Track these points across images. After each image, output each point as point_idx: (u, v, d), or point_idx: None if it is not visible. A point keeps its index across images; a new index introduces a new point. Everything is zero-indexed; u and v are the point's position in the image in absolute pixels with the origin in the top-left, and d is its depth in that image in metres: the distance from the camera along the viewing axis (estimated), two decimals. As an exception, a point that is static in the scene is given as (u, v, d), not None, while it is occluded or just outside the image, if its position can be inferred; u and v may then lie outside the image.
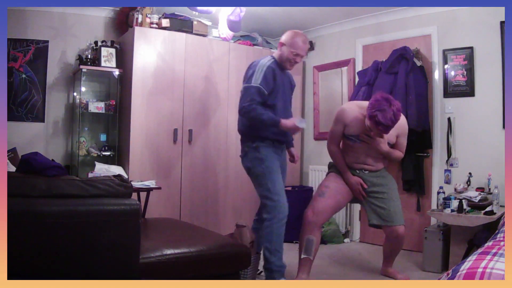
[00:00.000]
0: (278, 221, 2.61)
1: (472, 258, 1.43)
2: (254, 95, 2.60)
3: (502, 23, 3.34)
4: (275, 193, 2.63)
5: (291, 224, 3.52)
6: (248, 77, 2.70)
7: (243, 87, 2.72)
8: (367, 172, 2.90)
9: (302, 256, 2.79)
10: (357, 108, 2.86)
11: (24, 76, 3.79)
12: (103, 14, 4.06)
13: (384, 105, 2.56)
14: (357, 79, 4.14)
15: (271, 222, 2.60)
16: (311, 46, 4.74)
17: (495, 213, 2.91)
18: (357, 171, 2.91)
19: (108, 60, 3.78)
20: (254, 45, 4.47)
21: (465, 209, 3.02)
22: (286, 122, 2.60)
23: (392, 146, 2.88)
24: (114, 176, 1.90)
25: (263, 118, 2.59)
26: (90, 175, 3.09)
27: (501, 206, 2.98)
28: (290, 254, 3.62)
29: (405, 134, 2.92)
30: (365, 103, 2.75)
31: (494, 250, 1.50)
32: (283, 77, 2.80)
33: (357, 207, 4.26)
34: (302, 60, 2.95)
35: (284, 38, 2.78)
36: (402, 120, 2.83)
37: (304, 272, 2.79)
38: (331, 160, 3.04)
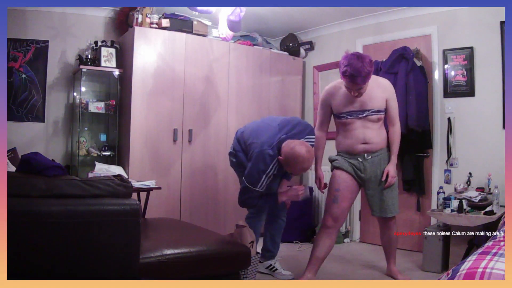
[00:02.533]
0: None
1: (472, 258, 1.43)
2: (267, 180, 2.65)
3: (502, 23, 3.34)
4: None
5: (291, 224, 3.54)
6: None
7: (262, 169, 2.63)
8: (369, 157, 2.79)
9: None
10: (340, 84, 2.80)
11: (24, 76, 3.79)
12: (103, 14, 4.05)
13: (353, 59, 2.55)
14: (357, 79, 4.14)
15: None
16: (311, 47, 4.74)
17: (495, 213, 2.92)
18: (359, 158, 2.81)
19: (108, 60, 3.78)
20: (254, 45, 4.47)
21: (465, 209, 3.02)
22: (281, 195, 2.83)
23: (385, 113, 2.81)
24: (114, 176, 1.90)
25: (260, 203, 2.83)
26: (90, 175, 3.09)
27: (501, 206, 2.98)
28: (290, 254, 3.63)
29: (394, 98, 2.84)
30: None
31: (494, 250, 1.50)
32: None
33: (357, 207, 4.26)
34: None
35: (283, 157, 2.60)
36: (386, 82, 2.86)
37: (311, 271, 2.80)
38: (331, 155, 2.96)
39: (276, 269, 3.09)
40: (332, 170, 2.93)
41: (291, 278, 3.03)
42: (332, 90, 2.86)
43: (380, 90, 2.78)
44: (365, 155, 2.80)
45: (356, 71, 2.53)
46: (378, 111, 2.76)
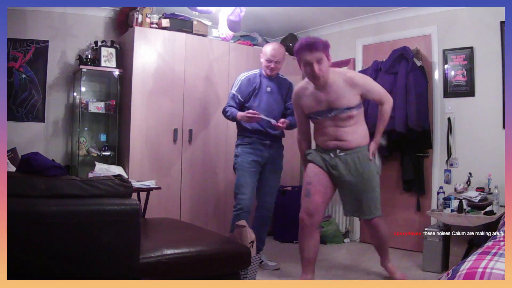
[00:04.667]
0: (235, 211, 3.12)
1: (472, 258, 1.43)
2: (229, 100, 3.25)
3: (502, 23, 3.34)
4: (237, 187, 3.15)
5: (291, 224, 3.53)
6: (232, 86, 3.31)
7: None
8: (342, 154, 2.68)
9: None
10: (306, 84, 2.76)
11: (24, 76, 3.79)
12: (103, 14, 4.06)
13: (303, 38, 2.64)
14: (357, 79, 4.14)
15: (235, 212, 3.12)
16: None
17: (495, 213, 2.92)
18: (331, 154, 2.71)
19: (108, 60, 3.79)
20: (254, 45, 4.47)
21: (465, 209, 3.02)
22: (240, 114, 3.10)
23: (360, 107, 2.71)
24: (114, 176, 1.90)
25: (228, 115, 3.20)
26: (90, 175, 3.09)
27: (501, 206, 2.98)
28: (290, 254, 3.63)
29: (370, 89, 2.69)
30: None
31: (494, 250, 1.50)
32: (268, 84, 3.24)
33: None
34: (277, 65, 3.21)
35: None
36: (353, 74, 2.77)
37: (309, 273, 2.74)
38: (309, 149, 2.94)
39: (262, 261, 3.24)
40: (305, 164, 2.87)
41: (276, 269, 3.21)
42: (300, 92, 2.81)
43: (349, 87, 2.64)
44: (338, 151, 2.69)
45: (310, 40, 2.57)
46: (348, 108, 2.63)
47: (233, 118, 3.20)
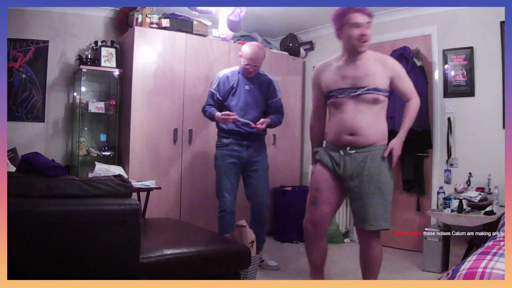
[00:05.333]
0: (219, 213, 3.18)
1: (472, 258, 1.43)
2: (208, 98, 3.25)
3: (502, 23, 3.34)
4: (217, 189, 3.20)
5: (291, 224, 3.54)
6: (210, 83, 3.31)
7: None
8: (353, 151, 2.27)
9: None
10: (331, 61, 2.44)
11: (24, 76, 3.79)
12: (103, 14, 4.05)
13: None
14: (357, 79, 4.13)
15: (218, 214, 3.19)
16: (311, 47, 4.74)
17: (495, 213, 2.91)
18: (341, 151, 2.31)
19: (108, 60, 3.78)
20: (254, 45, 4.46)
21: (465, 209, 3.02)
22: (218, 114, 3.12)
23: (388, 95, 2.36)
24: (114, 176, 1.90)
25: (206, 115, 3.22)
26: (90, 175, 3.09)
27: (501, 206, 2.98)
28: (290, 253, 3.63)
29: (401, 75, 2.35)
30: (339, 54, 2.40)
31: (494, 250, 1.50)
32: (246, 82, 3.20)
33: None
34: (256, 68, 3.18)
35: (241, 49, 3.20)
36: (391, 60, 2.43)
37: (317, 275, 2.51)
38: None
39: (263, 260, 3.24)
40: (313, 164, 2.52)
41: (277, 269, 3.21)
42: (321, 67, 2.47)
43: (380, 66, 2.31)
44: (348, 148, 2.28)
45: (359, 7, 2.25)
46: (376, 89, 2.25)
47: (211, 118, 3.20)
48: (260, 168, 3.23)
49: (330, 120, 2.45)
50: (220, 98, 3.19)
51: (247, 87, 3.19)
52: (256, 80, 3.23)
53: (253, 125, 3.07)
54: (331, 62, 2.43)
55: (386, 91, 2.32)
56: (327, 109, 2.50)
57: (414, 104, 2.37)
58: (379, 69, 2.30)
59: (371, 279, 2.35)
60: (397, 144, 2.29)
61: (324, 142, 2.51)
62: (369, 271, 2.36)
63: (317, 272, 2.52)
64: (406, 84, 2.38)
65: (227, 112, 3.08)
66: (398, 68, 2.38)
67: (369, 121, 2.27)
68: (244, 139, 3.16)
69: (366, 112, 2.27)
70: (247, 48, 3.15)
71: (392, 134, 2.56)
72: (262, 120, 3.11)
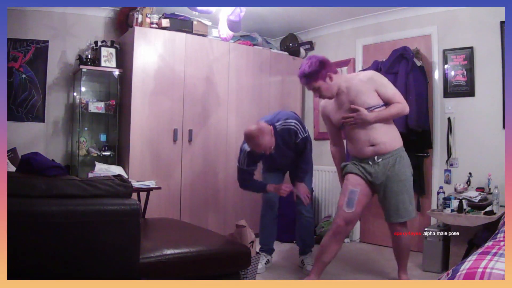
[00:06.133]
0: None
1: (472, 258, 1.43)
2: (243, 174, 3.16)
3: (502, 23, 3.34)
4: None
5: (291, 224, 3.53)
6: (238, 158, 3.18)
7: (238, 164, 3.18)
8: (380, 159, 2.61)
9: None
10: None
11: (24, 76, 3.79)
12: (103, 14, 4.06)
13: (304, 61, 2.68)
14: (357, 79, 4.14)
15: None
16: (311, 47, 4.74)
17: (495, 213, 2.91)
18: (369, 162, 2.65)
19: (108, 60, 3.79)
20: (254, 45, 4.47)
21: (465, 209, 3.02)
22: (272, 186, 3.16)
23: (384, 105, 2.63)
24: (114, 176, 1.90)
25: (252, 190, 3.33)
26: (90, 175, 3.09)
27: (501, 206, 2.98)
28: (290, 254, 3.63)
29: (384, 85, 2.63)
30: None
31: (494, 250, 1.50)
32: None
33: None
34: (266, 147, 2.94)
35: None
36: (367, 73, 2.71)
37: (316, 274, 2.74)
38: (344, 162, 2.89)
39: (304, 264, 3.28)
40: (343, 177, 2.83)
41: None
42: (324, 104, 2.84)
43: (363, 84, 2.62)
44: (376, 157, 2.63)
45: (300, 72, 2.65)
46: (369, 107, 2.58)
47: (260, 191, 3.26)
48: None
49: (348, 142, 2.80)
50: (252, 169, 3.17)
51: (273, 151, 3.04)
52: (280, 137, 3.05)
53: (304, 200, 3.21)
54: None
55: (380, 105, 2.61)
56: (342, 134, 2.85)
57: (398, 107, 2.61)
58: (364, 86, 2.61)
59: (404, 262, 2.83)
60: (364, 113, 2.58)
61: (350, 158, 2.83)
62: (402, 256, 2.82)
63: (320, 269, 2.74)
64: (390, 89, 2.64)
65: (287, 186, 3.15)
66: (378, 78, 2.66)
67: (382, 130, 2.62)
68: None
69: (375, 125, 2.60)
70: (247, 142, 2.98)
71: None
72: (308, 197, 3.24)
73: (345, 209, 2.66)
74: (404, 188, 2.64)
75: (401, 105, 2.62)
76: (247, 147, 3.03)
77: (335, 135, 2.88)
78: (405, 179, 2.65)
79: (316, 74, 2.61)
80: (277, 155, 3.10)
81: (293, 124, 3.03)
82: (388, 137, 2.63)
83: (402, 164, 2.64)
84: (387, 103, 2.61)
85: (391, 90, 2.64)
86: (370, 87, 2.60)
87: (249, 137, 2.90)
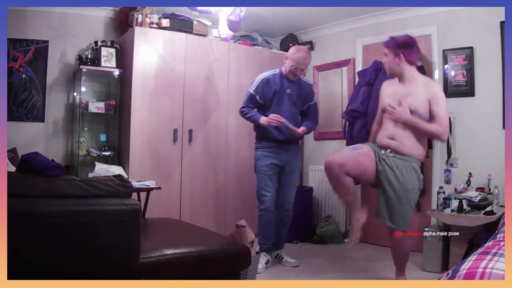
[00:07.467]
0: (259, 211, 3.26)
1: (472, 258, 1.43)
2: (247, 99, 3.26)
3: (502, 23, 3.34)
4: (258, 189, 3.26)
5: (291, 224, 3.53)
6: (250, 84, 3.30)
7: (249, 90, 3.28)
8: (391, 155, 2.59)
9: (350, 148, 2.72)
10: (394, 81, 2.73)
11: (24, 76, 3.79)
12: (103, 14, 4.06)
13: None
14: (357, 79, 4.14)
15: (259, 212, 3.26)
16: (311, 47, 4.74)
17: (495, 213, 2.91)
18: (383, 151, 2.61)
19: (108, 60, 3.79)
20: (254, 45, 4.47)
21: (465, 209, 3.02)
22: (264, 119, 3.13)
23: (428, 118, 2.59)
24: (114, 176, 1.90)
25: (248, 117, 3.24)
26: (90, 175, 3.09)
27: (501, 206, 2.98)
28: (290, 253, 3.62)
29: (439, 102, 2.58)
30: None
31: (494, 250, 1.49)
32: (288, 86, 3.23)
33: (357, 207, 4.25)
34: (303, 72, 3.27)
35: (288, 52, 3.25)
36: (433, 84, 2.72)
37: (357, 211, 2.72)
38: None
39: (283, 258, 3.36)
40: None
41: (296, 266, 3.29)
42: (387, 84, 2.81)
43: (421, 86, 2.60)
44: (389, 151, 2.60)
45: (389, 38, 2.70)
46: (412, 111, 2.55)
47: (254, 121, 3.23)
48: (295, 171, 3.38)
49: (382, 126, 2.76)
50: (261, 102, 3.22)
51: (288, 90, 3.22)
52: (297, 83, 3.27)
53: (297, 130, 3.15)
54: (394, 80, 2.74)
55: (422, 113, 2.57)
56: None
57: (437, 128, 2.57)
58: (420, 90, 2.59)
59: (403, 265, 2.79)
60: (406, 112, 2.55)
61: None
62: (401, 260, 2.79)
63: (354, 207, 2.74)
64: (439, 114, 2.57)
65: (277, 116, 3.09)
66: (439, 93, 2.62)
67: (408, 133, 2.59)
68: (286, 143, 3.26)
69: (408, 129, 2.58)
70: (297, 52, 3.17)
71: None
72: (302, 128, 3.20)
73: (348, 147, 2.72)
74: (407, 199, 2.58)
75: (441, 129, 2.57)
76: (266, 77, 3.22)
77: (380, 115, 2.84)
78: (411, 189, 2.59)
79: (391, 42, 2.64)
80: (288, 101, 3.21)
81: (313, 85, 3.38)
82: (410, 142, 2.59)
83: (411, 173, 2.59)
84: (431, 119, 2.58)
85: (441, 110, 2.58)
86: (425, 93, 2.58)
87: (305, 53, 3.16)
